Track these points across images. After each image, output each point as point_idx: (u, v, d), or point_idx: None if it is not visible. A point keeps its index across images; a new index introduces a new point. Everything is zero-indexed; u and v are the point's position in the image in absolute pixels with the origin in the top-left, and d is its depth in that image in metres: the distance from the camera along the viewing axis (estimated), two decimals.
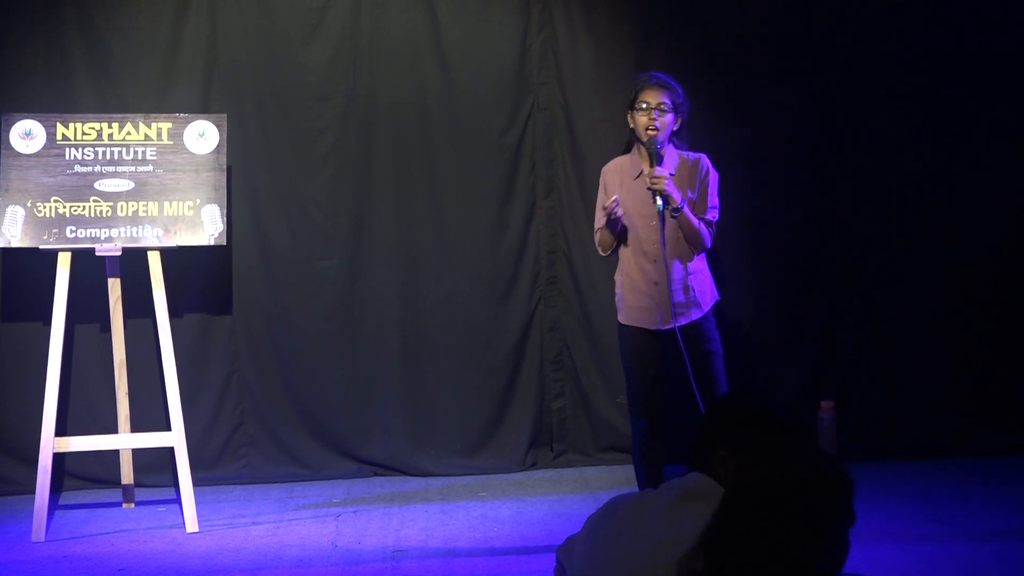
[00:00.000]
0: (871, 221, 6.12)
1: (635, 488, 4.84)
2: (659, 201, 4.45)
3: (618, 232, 4.66)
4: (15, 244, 5.23)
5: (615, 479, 5.67)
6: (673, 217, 4.51)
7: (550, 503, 5.38)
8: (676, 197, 4.49)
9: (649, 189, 4.50)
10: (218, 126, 5.41)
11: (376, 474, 5.95)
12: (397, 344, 5.98)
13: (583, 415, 6.10)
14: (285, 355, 5.91)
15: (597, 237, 4.76)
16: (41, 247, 5.22)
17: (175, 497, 5.47)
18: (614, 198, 4.54)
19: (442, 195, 5.99)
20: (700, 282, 4.65)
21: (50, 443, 5.01)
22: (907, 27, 6.10)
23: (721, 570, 1.96)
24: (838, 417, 5.69)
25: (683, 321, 4.57)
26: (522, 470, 6.00)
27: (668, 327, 4.58)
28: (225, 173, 5.42)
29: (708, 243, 4.64)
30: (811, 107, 6.07)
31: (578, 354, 6.07)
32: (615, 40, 6.01)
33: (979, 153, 6.13)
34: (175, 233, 5.31)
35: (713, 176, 4.71)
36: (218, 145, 5.39)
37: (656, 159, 4.53)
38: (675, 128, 4.67)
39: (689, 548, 2.29)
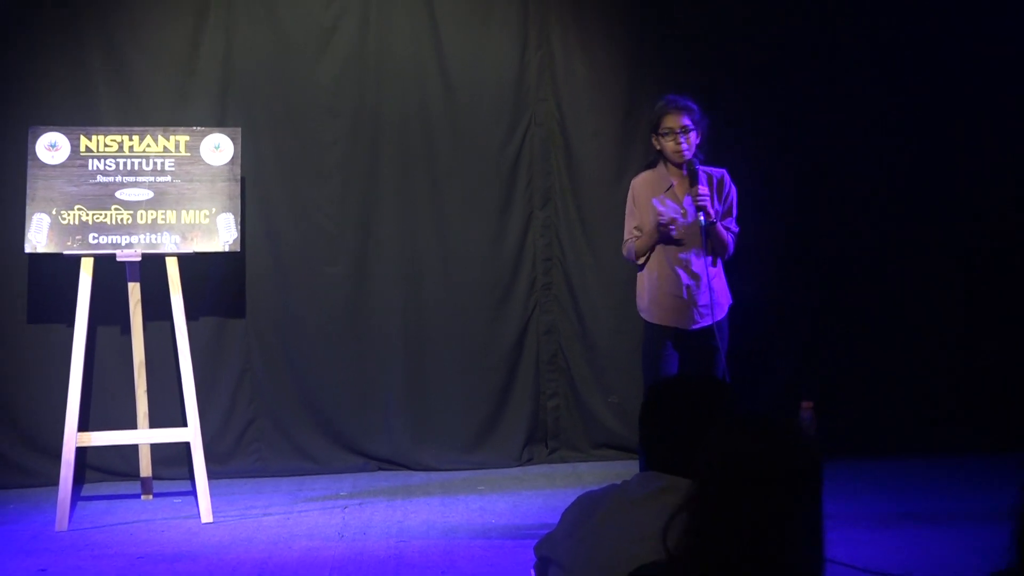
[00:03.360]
0: (853, 225, 6.21)
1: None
2: (701, 217, 4.70)
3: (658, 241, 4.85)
4: (41, 250, 5.35)
5: (607, 474, 5.74)
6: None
7: (544, 496, 5.49)
8: (712, 212, 4.75)
9: (697, 207, 4.72)
10: (233, 139, 5.54)
11: (381, 469, 6.06)
12: (401, 346, 6.09)
13: (576, 413, 6.22)
14: (295, 356, 6.03)
15: (629, 245, 4.90)
16: (65, 252, 5.34)
17: (191, 489, 5.56)
18: (666, 215, 4.75)
19: (444, 205, 6.11)
20: (720, 285, 4.88)
21: (73, 438, 5.14)
22: (900, 28, 6.17)
23: (695, 551, 1.87)
24: (817, 416, 5.86)
25: (708, 320, 4.81)
26: (518, 465, 6.11)
27: (696, 327, 4.81)
28: (239, 183, 5.55)
29: (731, 250, 4.88)
30: (798, 120, 6.17)
31: (572, 356, 6.19)
32: (608, 58, 6.14)
33: (961, 159, 6.22)
34: (192, 240, 5.43)
35: (734, 191, 4.92)
36: (233, 157, 5.51)
37: (696, 178, 4.75)
38: (698, 143, 4.84)
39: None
